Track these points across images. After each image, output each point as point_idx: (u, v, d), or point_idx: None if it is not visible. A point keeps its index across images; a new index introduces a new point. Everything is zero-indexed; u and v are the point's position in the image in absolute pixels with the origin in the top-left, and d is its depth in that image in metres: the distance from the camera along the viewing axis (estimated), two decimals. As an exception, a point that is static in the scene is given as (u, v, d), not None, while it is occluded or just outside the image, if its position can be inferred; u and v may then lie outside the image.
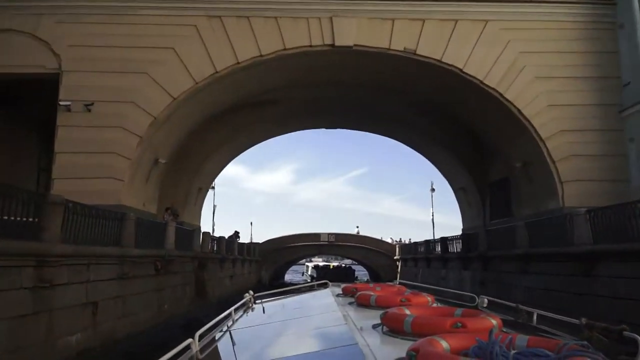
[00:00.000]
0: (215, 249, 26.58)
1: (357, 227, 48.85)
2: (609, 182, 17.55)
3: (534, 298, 16.12)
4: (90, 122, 17.56)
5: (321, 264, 64.58)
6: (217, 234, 29.88)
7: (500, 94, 18.48)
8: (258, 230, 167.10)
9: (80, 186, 16.56)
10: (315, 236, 45.58)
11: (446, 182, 30.52)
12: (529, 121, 18.37)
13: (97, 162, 17.36)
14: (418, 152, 30.38)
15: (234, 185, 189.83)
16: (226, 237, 31.07)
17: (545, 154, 18.25)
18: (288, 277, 58.98)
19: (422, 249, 33.68)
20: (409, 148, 31.01)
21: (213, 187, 41.89)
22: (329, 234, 45.47)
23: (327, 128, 30.16)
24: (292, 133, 31.45)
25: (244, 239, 45.70)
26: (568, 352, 2.41)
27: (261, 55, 18.46)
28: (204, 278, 23.22)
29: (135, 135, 17.79)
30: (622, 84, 18.38)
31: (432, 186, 42.98)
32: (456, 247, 26.86)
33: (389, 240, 51.13)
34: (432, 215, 43.49)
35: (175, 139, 20.70)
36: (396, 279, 33.75)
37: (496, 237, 20.67)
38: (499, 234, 20.53)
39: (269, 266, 44.23)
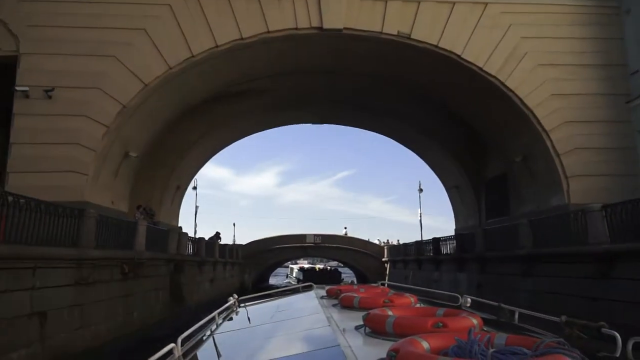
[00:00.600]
0: (193, 251, 24.86)
1: (345, 228, 47.19)
2: (617, 177, 16.33)
3: (539, 302, 14.78)
4: (51, 110, 15.82)
5: (306, 266, 63.17)
6: (199, 236, 28.17)
7: (501, 82, 17.17)
8: (243, 232, 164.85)
9: (38, 181, 14.88)
10: (301, 237, 43.90)
11: (434, 184, 29.35)
12: (531, 111, 17.08)
13: (58, 154, 15.61)
14: (410, 148, 29.00)
15: (219, 187, 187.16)
16: (206, 238, 29.41)
17: (549, 146, 16.98)
18: (273, 280, 57.28)
19: (413, 251, 32.27)
20: (396, 149, 30.03)
21: (195, 188, 40.24)
22: (315, 235, 43.78)
23: (314, 123, 28.58)
24: (277, 131, 29.88)
25: (226, 240, 44.03)
26: (544, 350, 2.44)
27: (242, 39, 16.88)
28: (181, 282, 21.48)
29: (101, 124, 16.06)
30: (629, 72, 17.21)
31: (419, 186, 41.96)
32: (450, 248, 25.55)
33: (377, 242, 49.85)
34: (420, 216, 42.25)
35: (148, 131, 18.97)
36: (384, 281, 32.38)
37: (495, 237, 19.32)
38: (498, 234, 19.18)
39: (252, 269, 42.46)
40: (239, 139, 28.30)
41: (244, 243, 43.88)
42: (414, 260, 31.23)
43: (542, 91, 17.17)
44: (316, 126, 29.79)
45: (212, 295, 27.82)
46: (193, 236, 25.39)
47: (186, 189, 27.74)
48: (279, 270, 66.25)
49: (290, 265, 64.63)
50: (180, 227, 26.41)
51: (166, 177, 24.01)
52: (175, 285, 20.62)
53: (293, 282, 52.52)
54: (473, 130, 22.24)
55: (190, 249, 24.40)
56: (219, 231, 32.50)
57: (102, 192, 16.79)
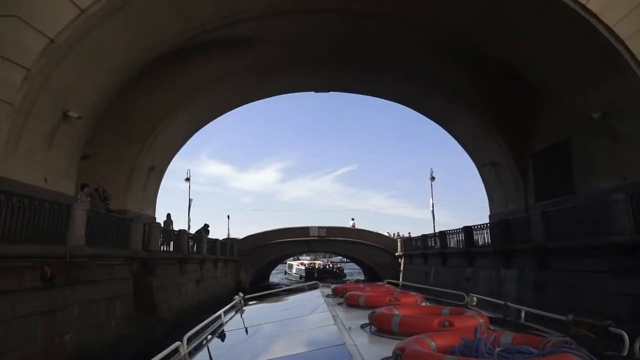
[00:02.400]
0: (173, 246, 20.15)
1: (353, 219, 42.00)
2: None
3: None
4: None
5: (306, 262, 59.17)
6: (179, 229, 23.31)
7: (581, 5, 12.31)
8: (244, 229, 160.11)
9: None
10: (304, 230, 39.08)
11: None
12: (623, 45, 12.23)
13: (-45, 107, 10.87)
14: (433, 119, 24.07)
15: (220, 184, 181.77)
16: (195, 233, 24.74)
17: (649, 93, 12.17)
18: (273, 278, 52.66)
19: (436, 243, 27.51)
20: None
21: (188, 179, 35.57)
22: (319, 227, 38.92)
23: (318, 91, 23.69)
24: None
25: (219, 235, 39.45)
26: (551, 349, 2.43)
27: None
28: (151, 286, 16.79)
29: (18, 66, 11.26)
30: None
31: (431, 174, 37.60)
32: (487, 239, 20.85)
33: (386, 234, 44.97)
34: (432, 206, 37.53)
35: (97, 84, 14.13)
36: (398, 279, 28.01)
37: (561, 222, 14.58)
38: (566, 217, 14.39)
39: (249, 266, 37.75)
40: (227, 110, 23.39)
41: (240, 237, 39.19)
42: (438, 254, 26.49)
43: (636, 17, 12.33)
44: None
45: (198, 300, 23.18)
46: (171, 228, 20.61)
47: (163, 172, 22.88)
48: (282, 267, 61.72)
49: (289, 262, 59.93)
50: (167, 213, 21.77)
51: (135, 155, 19.23)
52: (142, 291, 15.92)
53: (293, 280, 48.58)
54: (522, 87, 17.39)
55: (169, 244, 19.73)
56: (207, 223, 27.84)
57: (27, 165, 12.05)
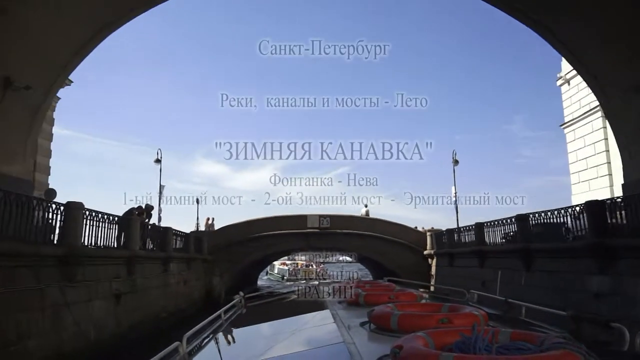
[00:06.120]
0: (39, 233, 10.17)
1: (366, 205, 31.37)
2: None
3: None
4: None
5: (289, 262, 53.27)
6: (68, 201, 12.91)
7: None
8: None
9: None
10: (300, 220, 28.83)
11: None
12: None
13: None
14: (529, 20, 13.91)
15: (216, 184, 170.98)
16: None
17: None
18: (262, 283, 42.54)
19: (511, 234, 17.61)
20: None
21: (159, 161, 25.49)
22: (320, 216, 28.66)
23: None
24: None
25: (188, 226, 29.21)
26: (549, 344, 2.39)
27: None
28: None
29: None
30: None
31: (454, 156, 28.59)
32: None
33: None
34: (455, 196, 27.57)
35: None
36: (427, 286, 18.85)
37: None
38: None
39: (225, 268, 27.72)
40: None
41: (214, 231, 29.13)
42: (513, 251, 16.61)
43: None
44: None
45: (118, 330, 13.19)
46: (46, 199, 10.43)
47: (47, 97, 12.32)
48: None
49: (273, 263, 50.77)
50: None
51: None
52: None
53: (274, 281, 44.19)
54: None
55: (20, 226, 9.72)
56: (148, 204, 17.79)
57: None
